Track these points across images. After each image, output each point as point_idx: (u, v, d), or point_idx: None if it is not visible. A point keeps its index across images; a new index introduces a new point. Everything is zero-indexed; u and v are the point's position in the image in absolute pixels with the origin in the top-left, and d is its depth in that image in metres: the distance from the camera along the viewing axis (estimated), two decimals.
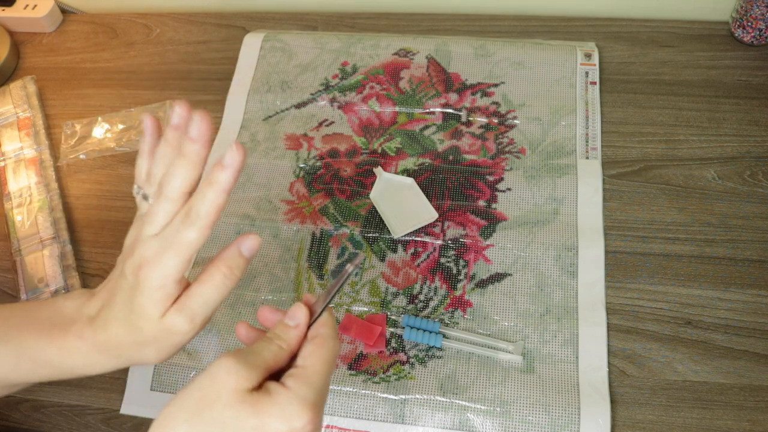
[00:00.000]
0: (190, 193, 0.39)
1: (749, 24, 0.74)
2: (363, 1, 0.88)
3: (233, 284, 0.40)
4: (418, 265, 0.65)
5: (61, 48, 0.90)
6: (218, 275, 0.39)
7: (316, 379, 0.37)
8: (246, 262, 0.40)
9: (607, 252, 0.64)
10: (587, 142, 0.71)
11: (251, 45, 0.84)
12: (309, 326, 0.40)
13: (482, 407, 0.56)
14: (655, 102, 0.73)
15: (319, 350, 0.38)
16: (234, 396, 0.34)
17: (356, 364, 0.60)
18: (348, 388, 0.58)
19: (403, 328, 0.61)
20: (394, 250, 0.66)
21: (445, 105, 0.75)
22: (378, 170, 0.71)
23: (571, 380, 0.57)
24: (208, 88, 0.82)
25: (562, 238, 0.64)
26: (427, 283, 0.64)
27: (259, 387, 0.36)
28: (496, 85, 0.76)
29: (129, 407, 0.61)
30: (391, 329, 0.62)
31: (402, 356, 0.60)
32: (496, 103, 0.74)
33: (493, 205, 0.67)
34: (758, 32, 0.74)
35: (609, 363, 0.58)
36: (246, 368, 0.35)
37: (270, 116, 0.78)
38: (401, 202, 0.69)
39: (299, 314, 0.40)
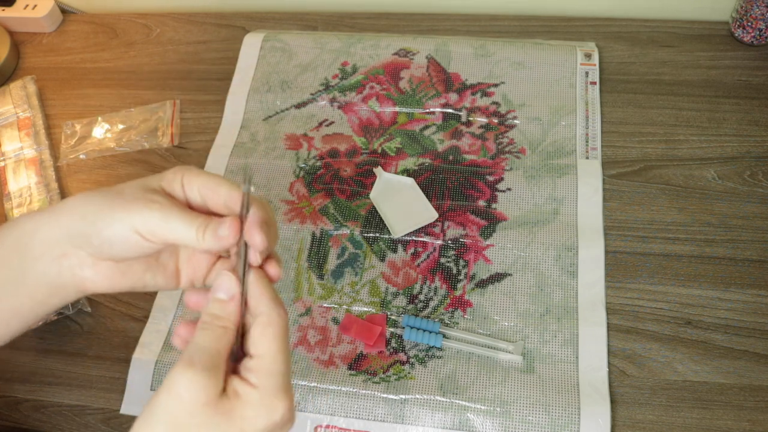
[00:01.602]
0: None
1: (749, 24, 0.74)
2: (363, 1, 0.88)
3: None
4: (418, 265, 0.65)
5: (61, 48, 0.90)
6: None
7: (275, 364, 0.34)
8: None
9: (607, 252, 0.64)
10: (587, 142, 0.71)
11: (251, 45, 0.84)
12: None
13: (482, 407, 0.56)
14: (655, 102, 0.73)
15: (267, 330, 0.35)
16: (206, 411, 0.32)
17: (356, 364, 0.60)
18: (348, 388, 0.58)
19: (403, 328, 0.61)
20: (394, 250, 0.66)
21: (445, 105, 0.75)
22: (378, 170, 0.71)
23: (571, 380, 0.57)
24: (208, 88, 0.82)
25: (562, 238, 0.64)
26: (427, 283, 0.64)
27: (224, 385, 0.34)
28: (496, 85, 0.76)
29: (129, 407, 0.61)
30: (391, 329, 0.62)
31: (402, 356, 0.60)
32: (496, 103, 0.74)
33: (493, 205, 0.67)
34: (758, 32, 0.74)
35: (609, 363, 0.58)
36: (206, 375, 0.33)
37: (270, 116, 0.78)
38: (401, 202, 0.69)
39: (228, 284, 0.36)
